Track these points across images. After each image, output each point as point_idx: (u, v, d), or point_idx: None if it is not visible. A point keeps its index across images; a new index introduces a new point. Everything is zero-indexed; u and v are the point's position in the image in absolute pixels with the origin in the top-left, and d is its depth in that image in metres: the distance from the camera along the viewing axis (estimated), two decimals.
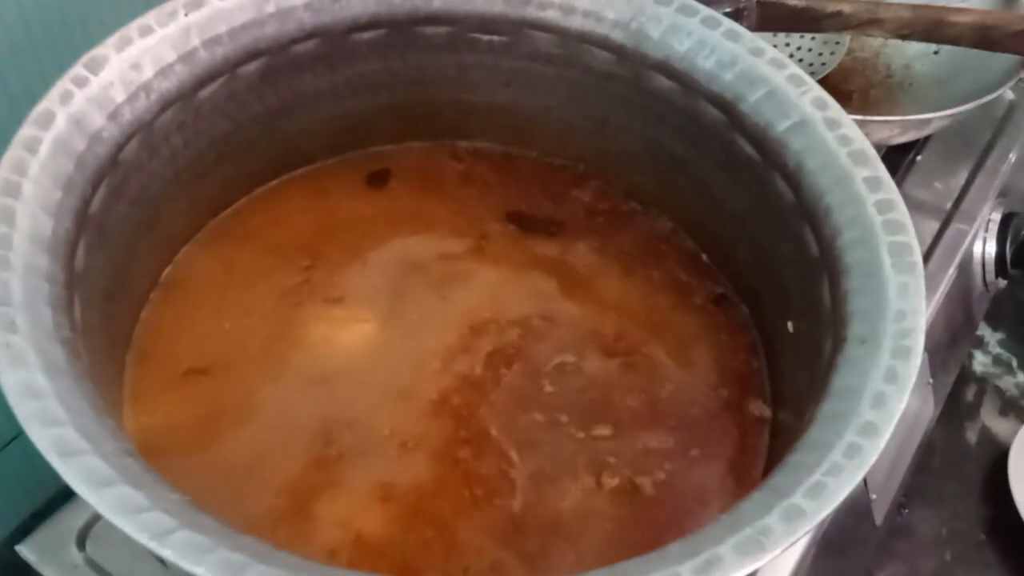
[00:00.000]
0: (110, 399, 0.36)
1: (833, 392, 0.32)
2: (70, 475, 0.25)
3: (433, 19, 0.44)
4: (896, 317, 0.32)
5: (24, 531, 0.47)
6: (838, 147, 0.38)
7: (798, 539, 0.27)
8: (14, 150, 0.33)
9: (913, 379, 0.30)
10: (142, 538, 0.24)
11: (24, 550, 0.45)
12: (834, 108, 0.39)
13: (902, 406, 0.30)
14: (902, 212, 0.35)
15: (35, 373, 0.28)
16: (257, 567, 0.24)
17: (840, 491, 0.27)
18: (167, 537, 0.25)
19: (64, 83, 0.36)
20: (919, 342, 0.31)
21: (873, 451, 0.28)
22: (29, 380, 0.28)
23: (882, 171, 0.37)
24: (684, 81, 0.42)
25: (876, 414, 0.30)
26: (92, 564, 0.44)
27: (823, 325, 0.36)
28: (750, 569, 0.26)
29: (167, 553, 0.24)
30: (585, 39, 0.44)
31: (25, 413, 0.26)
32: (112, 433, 0.28)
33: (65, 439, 0.26)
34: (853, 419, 0.30)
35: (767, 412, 0.41)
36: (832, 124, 0.38)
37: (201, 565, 0.24)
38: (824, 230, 0.37)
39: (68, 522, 0.46)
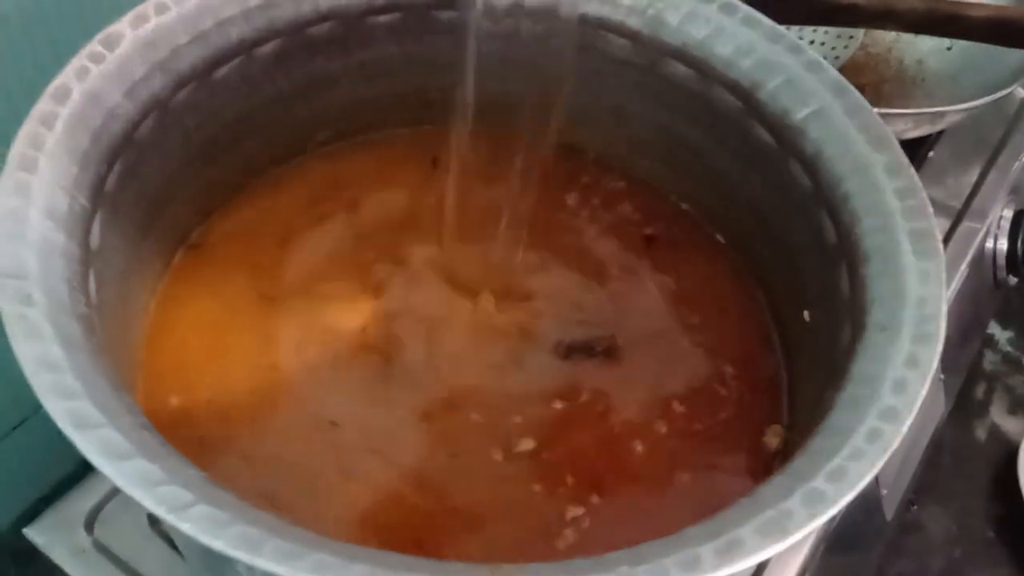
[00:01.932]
0: (124, 377, 0.36)
1: (853, 378, 0.31)
2: (88, 447, 0.25)
3: (450, 3, 0.44)
4: (917, 303, 0.32)
5: (31, 515, 0.47)
6: (857, 133, 0.38)
7: (820, 523, 0.26)
8: (30, 124, 0.33)
9: (935, 365, 0.30)
10: (160, 511, 0.24)
11: (32, 533, 0.45)
12: (853, 95, 0.39)
13: (923, 391, 0.29)
14: (922, 198, 0.35)
15: (51, 346, 0.28)
16: (274, 541, 0.24)
17: (862, 476, 0.27)
18: (185, 511, 0.24)
19: (80, 59, 0.35)
20: (940, 328, 0.31)
21: (895, 436, 0.28)
22: (45, 353, 0.27)
23: (902, 157, 0.36)
24: (701, 68, 0.42)
25: (898, 399, 0.29)
26: (100, 547, 0.44)
27: (840, 313, 0.36)
28: (772, 552, 0.26)
29: (186, 527, 0.24)
30: (601, 25, 0.43)
31: (42, 385, 0.26)
32: (128, 408, 0.28)
33: (82, 412, 0.26)
34: (874, 404, 0.29)
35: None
36: (851, 110, 0.38)
37: (220, 539, 0.24)
38: (842, 217, 0.37)
39: (76, 506, 0.46)
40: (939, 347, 0.31)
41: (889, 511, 0.56)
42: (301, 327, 0.41)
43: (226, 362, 0.39)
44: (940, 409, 0.63)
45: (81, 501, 0.46)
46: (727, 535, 0.26)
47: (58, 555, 0.44)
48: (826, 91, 0.39)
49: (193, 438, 0.37)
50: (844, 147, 0.38)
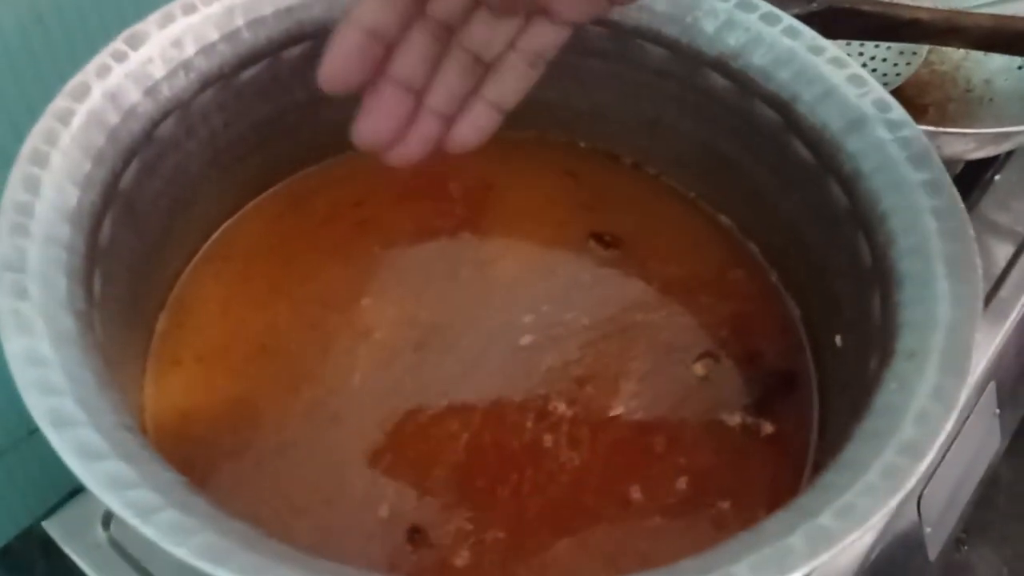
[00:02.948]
0: (128, 374, 0.36)
1: (875, 409, 0.29)
2: (62, 445, 0.25)
3: None
4: (948, 330, 0.30)
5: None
6: (898, 151, 0.36)
7: (821, 561, 0.24)
8: (46, 120, 0.33)
9: (961, 398, 0.28)
10: (125, 515, 0.24)
11: (49, 526, 0.45)
12: (896, 110, 0.37)
13: (948, 426, 0.27)
14: (962, 219, 0.33)
15: (40, 341, 0.27)
16: (243, 555, 0.23)
17: (871, 513, 0.25)
18: (151, 516, 0.24)
19: (102, 57, 0.35)
20: (969, 358, 0.29)
21: (912, 473, 0.26)
22: (33, 348, 0.27)
23: (942, 175, 0.34)
24: (739, 79, 0.41)
25: (919, 433, 0.27)
26: (115, 544, 0.44)
27: (871, 338, 0.34)
28: None
29: (149, 532, 0.23)
30: (638, 34, 0.42)
31: (24, 380, 0.26)
32: (113, 407, 0.27)
33: (61, 409, 0.26)
34: (893, 438, 0.27)
35: None
36: (893, 126, 0.36)
37: (183, 547, 0.23)
38: (878, 237, 0.35)
39: (96, 501, 0.46)
40: (967, 378, 0.28)
41: (933, 550, 0.53)
42: (323, 338, 0.40)
43: (241, 367, 0.39)
44: (996, 445, 0.60)
45: None
46: (719, 571, 0.24)
47: (73, 549, 0.44)
48: (868, 105, 0.37)
49: (200, 443, 0.36)
50: (883, 163, 0.36)
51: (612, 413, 0.38)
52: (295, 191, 0.45)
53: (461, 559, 0.34)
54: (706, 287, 0.43)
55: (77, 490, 0.48)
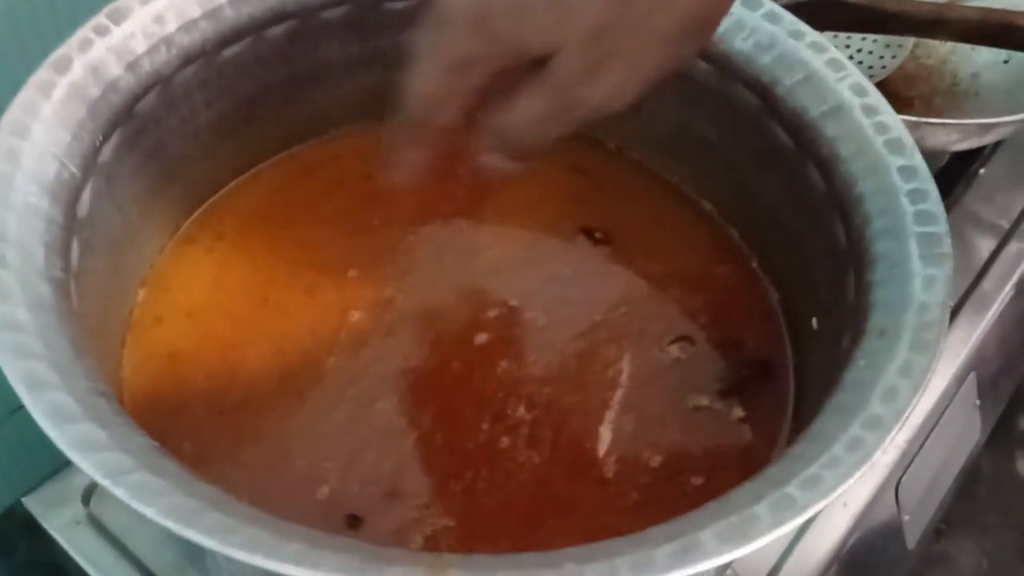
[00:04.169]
0: (107, 345, 0.36)
1: (845, 384, 0.30)
2: (35, 407, 0.25)
3: None
4: (919, 310, 0.30)
5: None
6: (874, 135, 0.36)
7: (786, 530, 0.25)
8: (27, 91, 0.33)
9: (928, 375, 0.28)
10: (97, 475, 0.24)
11: (30, 502, 0.45)
12: (873, 95, 0.37)
13: (914, 401, 0.28)
14: (935, 202, 0.33)
15: (17, 307, 0.28)
16: (210, 515, 0.24)
17: (837, 484, 0.26)
18: (121, 477, 0.24)
19: (84, 31, 0.35)
20: (940, 336, 0.29)
21: (876, 445, 0.27)
22: (10, 313, 0.27)
23: (918, 160, 0.35)
24: (720, 63, 0.41)
25: (885, 408, 0.28)
26: (93, 521, 0.44)
27: (845, 318, 0.34)
28: (730, 557, 0.24)
29: (119, 492, 0.23)
30: None
31: (0, 343, 0.26)
32: (87, 372, 0.27)
33: (36, 372, 0.26)
34: (860, 412, 0.28)
35: None
36: (870, 111, 0.37)
37: (152, 507, 0.23)
38: (854, 220, 0.35)
39: (76, 479, 0.46)
40: (936, 355, 0.29)
41: (911, 539, 0.53)
42: (297, 316, 0.40)
43: (216, 345, 0.39)
44: (976, 436, 0.60)
45: (81, 475, 0.45)
46: (686, 537, 0.24)
47: (53, 525, 0.44)
48: (845, 89, 0.37)
49: (175, 412, 0.36)
50: (860, 147, 0.36)
51: (578, 396, 0.39)
52: (305, 160, 0.45)
53: (415, 544, 0.34)
54: (689, 278, 0.43)
55: (59, 471, 0.48)
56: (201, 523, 0.23)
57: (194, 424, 0.36)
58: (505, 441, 0.37)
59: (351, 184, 0.45)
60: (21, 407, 0.47)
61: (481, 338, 0.40)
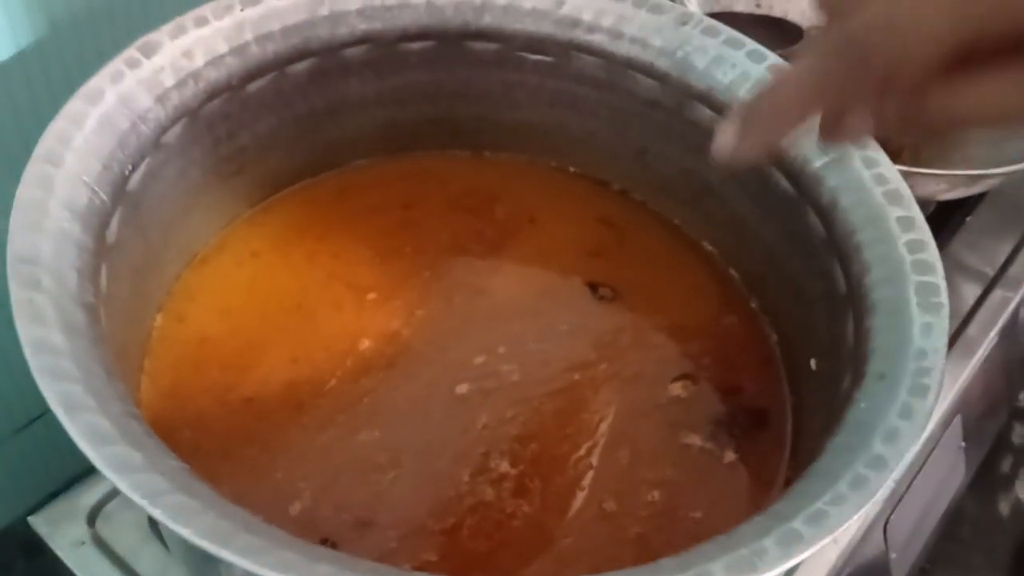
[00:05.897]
0: (128, 368, 0.37)
1: (847, 425, 0.31)
2: (74, 429, 0.26)
3: (482, 35, 0.45)
4: (917, 355, 0.32)
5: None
6: (874, 185, 0.38)
7: (792, 563, 0.26)
8: (60, 122, 0.34)
9: (928, 417, 0.30)
10: (135, 496, 0.25)
11: (36, 522, 0.46)
12: (871, 147, 0.39)
13: (915, 443, 0.29)
14: (932, 253, 0.35)
15: (53, 331, 0.28)
16: (244, 537, 0.25)
17: (841, 520, 0.27)
18: (159, 498, 0.25)
19: (116, 63, 0.37)
20: (937, 381, 0.31)
21: (879, 484, 0.28)
22: (46, 336, 0.28)
23: (916, 212, 0.36)
24: (726, 113, 0.42)
25: (887, 448, 0.29)
26: (98, 541, 0.45)
27: (844, 362, 0.35)
28: None
29: (157, 513, 0.24)
30: (631, 65, 0.44)
31: (38, 366, 0.27)
32: (120, 395, 0.28)
33: (73, 395, 0.27)
34: (863, 452, 0.29)
35: None
36: (869, 162, 0.38)
37: (189, 528, 0.24)
38: (853, 267, 0.37)
39: (82, 499, 0.47)
40: (934, 400, 0.30)
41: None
42: (320, 328, 0.42)
43: (242, 340, 0.41)
44: (960, 478, 0.62)
45: (87, 495, 0.46)
46: (696, 568, 0.26)
47: (58, 545, 0.45)
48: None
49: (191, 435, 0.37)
50: (860, 197, 0.38)
51: (564, 448, 0.39)
52: (293, 204, 0.47)
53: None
54: (694, 329, 0.44)
55: (57, 492, 0.48)
56: (235, 544, 0.24)
57: (197, 412, 0.38)
58: (490, 492, 0.37)
59: (391, 209, 0.46)
60: (23, 427, 0.47)
61: (462, 388, 0.41)
